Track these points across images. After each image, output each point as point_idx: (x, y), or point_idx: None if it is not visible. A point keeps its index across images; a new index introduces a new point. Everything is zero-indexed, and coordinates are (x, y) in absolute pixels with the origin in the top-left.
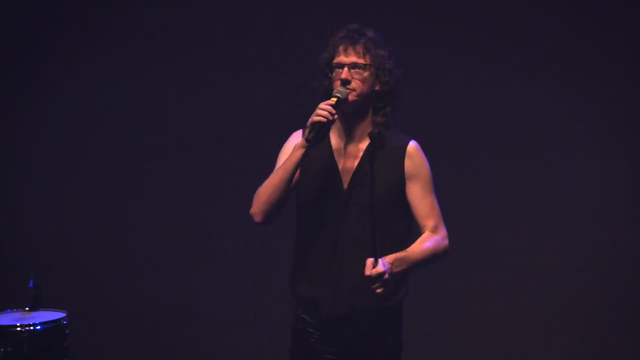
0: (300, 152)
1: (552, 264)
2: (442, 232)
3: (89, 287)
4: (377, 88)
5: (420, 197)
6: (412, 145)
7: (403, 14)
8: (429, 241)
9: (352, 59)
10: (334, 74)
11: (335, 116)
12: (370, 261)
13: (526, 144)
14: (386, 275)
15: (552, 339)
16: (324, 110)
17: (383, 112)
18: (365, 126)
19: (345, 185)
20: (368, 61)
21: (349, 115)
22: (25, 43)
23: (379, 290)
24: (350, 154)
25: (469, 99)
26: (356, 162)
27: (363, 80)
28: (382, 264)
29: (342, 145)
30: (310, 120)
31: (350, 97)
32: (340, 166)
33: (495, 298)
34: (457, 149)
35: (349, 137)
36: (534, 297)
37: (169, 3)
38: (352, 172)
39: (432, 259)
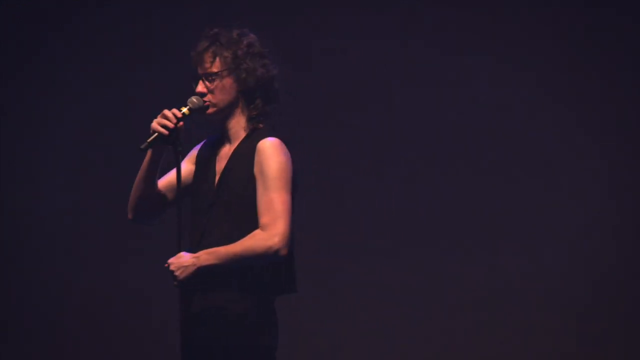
0: (148, 156)
1: (552, 264)
2: (272, 231)
3: (89, 287)
4: (241, 89)
5: (260, 195)
6: (264, 142)
7: (403, 13)
8: (249, 238)
9: (204, 69)
10: (196, 88)
11: (181, 124)
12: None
13: (526, 145)
14: (171, 267)
15: (551, 340)
16: (166, 120)
17: (254, 106)
18: (238, 126)
19: (215, 186)
20: (220, 67)
21: (221, 119)
22: (25, 42)
23: (175, 283)
24: (225, 154)
25: (468, 100)
26: (225, 162)
27: (220, 89)
28: (183, 256)
29: (221, 146)
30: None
31: (210, 110)
32: (216, 167)
33: (494, 298)
34: (455, 150)
35: (226, 138)
36: (533, 297)
37: (172, 3)
38: (220, 173)
39: (251, 256)
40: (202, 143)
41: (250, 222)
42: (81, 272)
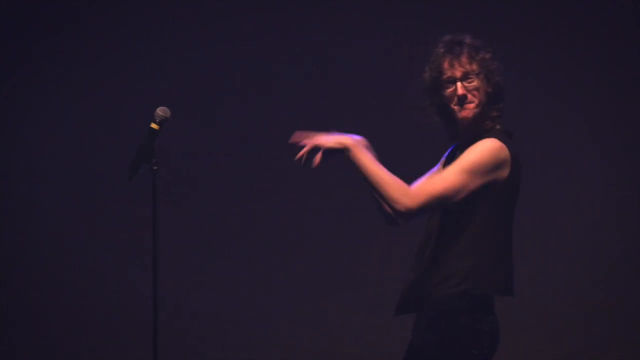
0: None
1: (552, 264)
2: (414, 192)
3: (89, 288)
4: (489, 90)
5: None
6: (484, 139)
7: (403, 13)
8: (397, 180)
9: (461, 71)
10: (446, 92)
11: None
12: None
13: (526, 145)
14: (316, 142)
15: (552, 340)
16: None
17: (496, 108)
18: (480, 126)
19: None
20: (476, 69)
21: (469, 124)
22: (25, 42)
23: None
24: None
25: None
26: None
27: (477, 89)
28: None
29: (461, 146)
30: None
31: (469, 113)
32: None
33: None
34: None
35: (465, 138)
36: (533, 297)
37: (171, 2)
38: None
39: (383, 186)
40: (451, 148)
41: (454, 214)
42: (81, 272)
